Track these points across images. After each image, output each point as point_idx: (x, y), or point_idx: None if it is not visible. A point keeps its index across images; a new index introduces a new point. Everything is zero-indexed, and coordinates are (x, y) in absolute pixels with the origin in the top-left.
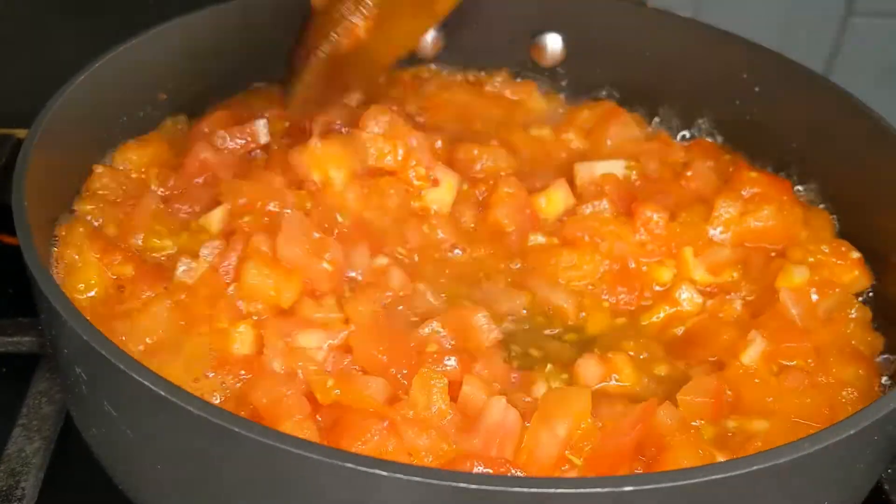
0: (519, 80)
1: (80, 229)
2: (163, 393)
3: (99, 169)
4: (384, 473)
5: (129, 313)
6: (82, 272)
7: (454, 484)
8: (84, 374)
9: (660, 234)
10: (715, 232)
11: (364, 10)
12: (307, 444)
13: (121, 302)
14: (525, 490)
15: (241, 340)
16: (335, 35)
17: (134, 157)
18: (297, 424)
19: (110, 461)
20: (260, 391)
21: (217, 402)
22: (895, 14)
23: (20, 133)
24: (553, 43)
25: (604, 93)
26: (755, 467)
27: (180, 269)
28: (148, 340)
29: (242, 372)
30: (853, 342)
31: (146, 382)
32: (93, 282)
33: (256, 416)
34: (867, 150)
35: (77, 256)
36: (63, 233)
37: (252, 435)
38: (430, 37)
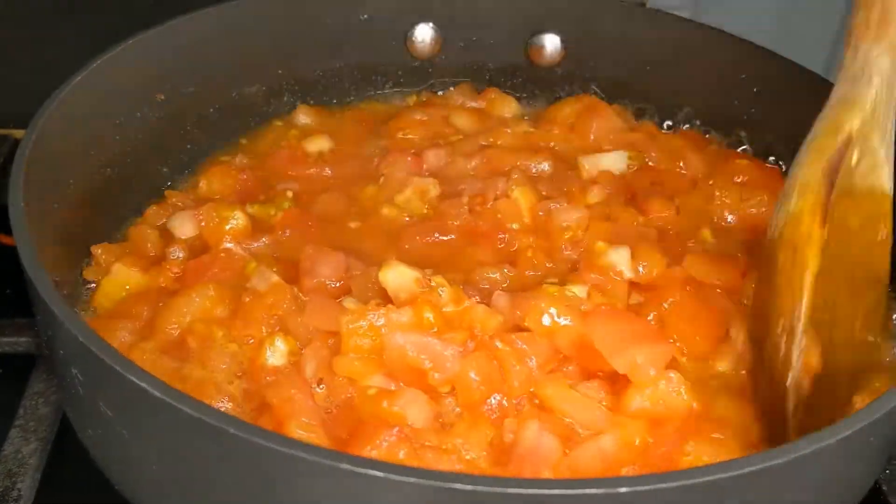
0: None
1: (107, 255)
2: (158, 394)
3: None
4: (380, 474)
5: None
6: (111, 283)
7: (450, 485)
8: (80, 375)
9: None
10: (721, 217)
11: (802, 340)
12: (302, 446)
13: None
14: (521, 491)
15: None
16: (790, 376)
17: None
18: (305, 426)
19: (107, 462)
20: (273, 390)
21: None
22: None
23: (18, 133)
24: (551, 43)
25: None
26: (751, 468)
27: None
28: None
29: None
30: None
31: (142, 384)
32: (127, 286)
33: (271, 415)
34: None
35: (103, 276)
36: (98, 251)
37: (247, 436)
38: (428, 37)
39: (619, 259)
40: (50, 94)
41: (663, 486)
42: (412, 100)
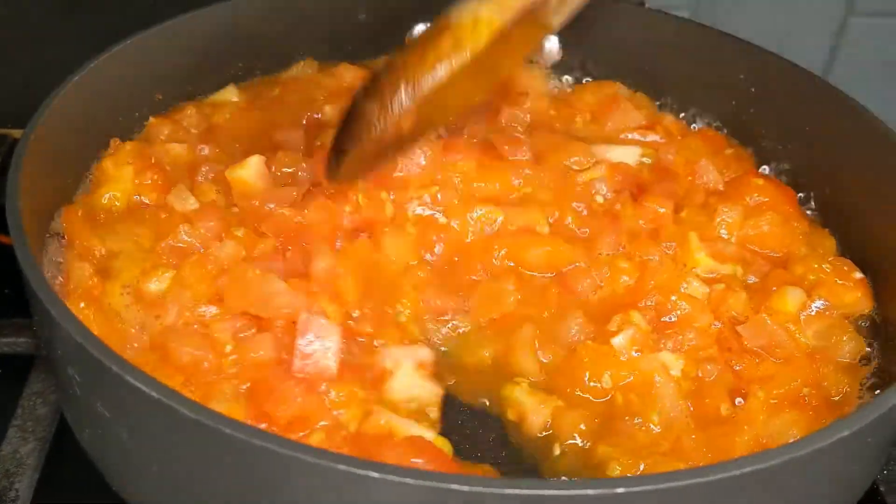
0: None
1: (128, 147)
2: (156, 395)
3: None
4: (378, 475)
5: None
6: (112, 184)
7: (449, 485)
8: (77, 375)
9: (666, 227)
10: (719, 233)
11: (405, 106)
12: (300, 447)
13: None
14: (519, 492)
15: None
16: (378, 128)
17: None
18: (229, 404)
19: (104, 462)
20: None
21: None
22: (895, 14)
23: (16, 133)
24: (550, 44)
25: None
26: (750, 469)
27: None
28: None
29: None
30: (825, 383)
31: (139, 385)
32: (118, 194)
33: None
34: (865, 154)
35: (114, 170)
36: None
37: (245, 437)
38: None
39: None
40: (48, 95)
41: (661, 486)
42: None
